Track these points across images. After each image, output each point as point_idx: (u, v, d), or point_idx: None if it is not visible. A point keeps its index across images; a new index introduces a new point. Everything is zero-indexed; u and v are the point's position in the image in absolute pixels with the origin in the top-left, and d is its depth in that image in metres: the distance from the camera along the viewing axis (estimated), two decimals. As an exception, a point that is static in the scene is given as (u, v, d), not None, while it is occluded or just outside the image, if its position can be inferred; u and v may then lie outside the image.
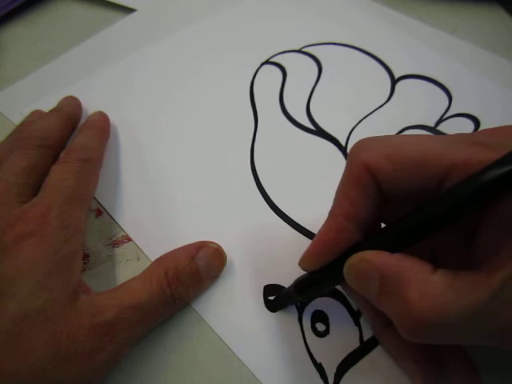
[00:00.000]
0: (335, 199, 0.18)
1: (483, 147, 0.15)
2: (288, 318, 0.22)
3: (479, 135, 0.17)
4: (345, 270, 0.17)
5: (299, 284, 0.20)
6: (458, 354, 0.19)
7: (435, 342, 0.15)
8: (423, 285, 0.14)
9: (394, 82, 0.32)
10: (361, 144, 0.18)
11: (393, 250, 0.16)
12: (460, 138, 0.16)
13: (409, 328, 0.15)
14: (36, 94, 0.32)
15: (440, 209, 0.14)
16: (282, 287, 0.23)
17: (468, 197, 0.14)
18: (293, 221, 0.25)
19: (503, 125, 0.17)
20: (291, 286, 0.21)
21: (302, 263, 0.19)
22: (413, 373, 0.19)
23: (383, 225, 0.20)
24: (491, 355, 0.20)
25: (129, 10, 0.39)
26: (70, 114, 0.29)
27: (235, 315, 0.22)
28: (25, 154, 0.24)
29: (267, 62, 0.34)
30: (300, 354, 0.21)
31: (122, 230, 0.26)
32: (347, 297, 0.22)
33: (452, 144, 0.16)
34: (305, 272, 0.20)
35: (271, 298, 0.23)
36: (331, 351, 0.21)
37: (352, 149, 0.18)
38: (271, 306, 0.23)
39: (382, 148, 0.17)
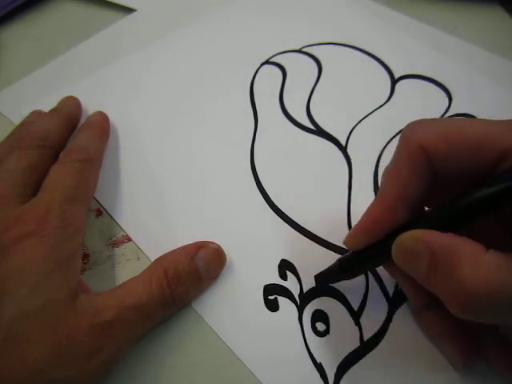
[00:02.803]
0: (385, 178, 0.18)
1: None
2: (288, 317, 0.22)
3: None
4: (394, 247, 0.17)
5: (344, 262, 0.20)
6: (497, 340, 0.19)
7: (485, 320, 0.15)
8: (476, 262, 0.14)
9: (394, 82, 0.32)
10: (415, 125, 0.18)
11: (443, 230, 0.16)
12: None
13: (461, 303, 0.15)
14: (36, 94, 0.32)
15: (495, 191, 0.14)
16: (282, 287, 0.23)
17: None
18: (293, 221, 0.25)
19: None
20: (335, 263, 0.21)
21: (349, 241, 0.19)
22: (451, 355, 0.20)
23: (426, 208, 0.20)
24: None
25: (129, 10, 0.39)
26: (69, 114, 0.29)
27: (235, 315, 0.22)
28: (25, 154, 0.24)
29: (267, 62, 0.34)
30: (300, 354, 0.21)
31: (122, 229, 0.26)
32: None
33: (510, 128, 0.16)
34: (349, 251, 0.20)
35: (273, 296, 0.23)
36: (331, 351, 0.21)
37: (406, 129, 0.18)
38: (317, 281, 0.23)
39: (437, 129, 0.17)
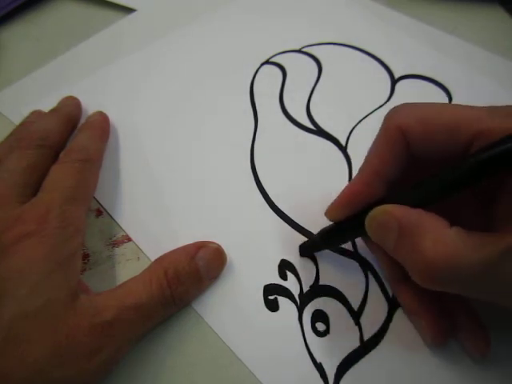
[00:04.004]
0: (366, 157, 0.20)
1: None
2: (288, 317, 0.22)
3: None
4: (366, 220, 0.18)
5: (324, 232, 0.22)
6: (466, 312, 0.20)
7: (445, 289, 0.16)
8: (438, 235, 0.16)
9: (394, 82, 0.32)
10: (397, 108, 0.19)
11: (413, 206, 0.17)
12: (496, 109, 0.17)
13: (421, 273, 0.16)
14: (36, 94, 0.32)
15: (460, 173, 0.16)
16: (282, 287, 0.23)
17: (486, 163, 0.15)
18: (293, 221, 0.25)
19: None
20: (316, 234, 0.23)
21: (329, 213, 0.21)
22: (423, 327, 0.20)
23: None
24: (500, 314, 0.20)
25: (129, 10, 0.39)
26: (69, 115, 0.29)
27: (235, 315, 0.22)
28: (24, 154, 0.24)
29: (267, 62, 0.34)
30: (300, 354, 0.21)
31: (122, 229, 0.26)
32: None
33: (485, 113, 0.17)
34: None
35: (273, 295, 0.23)
36: (331, 351, 0.21)
37: (388, 112, 0.20)
38: (300, 251, 0.24)
39: (415, 112, 0.18)
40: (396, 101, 0.31)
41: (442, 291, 0.17)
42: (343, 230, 0.21)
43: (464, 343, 0.20)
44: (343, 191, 0.20)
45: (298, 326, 0.22)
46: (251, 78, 0.33)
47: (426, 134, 0.18)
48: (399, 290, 0.22)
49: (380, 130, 0.20)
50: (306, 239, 0.24)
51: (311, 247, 0.24)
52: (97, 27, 0.37)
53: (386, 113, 0.20)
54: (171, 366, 0.21)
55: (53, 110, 0.29)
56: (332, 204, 0.21)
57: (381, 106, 0.30)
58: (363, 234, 0.19)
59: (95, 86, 0.33)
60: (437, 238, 0.15)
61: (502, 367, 0.20)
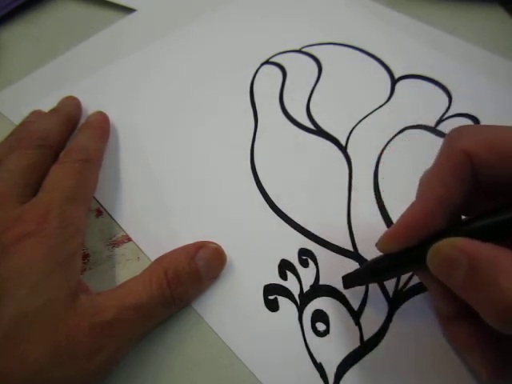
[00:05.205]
0: (425, 182, 0.18)
1: None
2: (288, 317, 0.22)
3: None
4: (430, 253, 0.17)
5: (376, 265, 0.20)
6: None
7: None
8: None
9: (394, 82, 0.32)
10: (460, 130, 0.18)
11: (482, 240, 0.15)
12: None
13: (499, 315, 0.14)
14: (36, 94, 0.32)
15: None
16: (282, 287, 0.23)
17: None
18: (293, 221, 0.25)
19: (503, 125, 0.17)
20: (364, 266, 0.20)
21: (382, 244, 0.19)
22: (479, 365, 0.19)
23: (463, 216, 0.20)
24: None
25: (129, 10, 0.39)
26: (69, 115, 0.29)
27: (235, 315, 0.22)
28: (24, 154, 0.24)
29: (267, 62, 0.34)
30: (300, 354, 0.21)
31: (122, 229, 0.26)
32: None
33: None
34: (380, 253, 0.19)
35: (273, 296, 0.23)
36: (331, 351, 0.21)
37: (451, 133, 0.18)
38: (344, 284, 0.22)
39: (483, 136, 0.17)
40: (396, 101, 0.31)
41: None
42: (398, 263, 0.18)
43: None
44: (400, 220, 0.18)
45: (298, 326, 0.22)
46: (251, 78, 0.33)
47: (496, 160, 0.16)
48: (453, 326, 0.20)
49: (441, 153, 0.18)
50: (306, 239, 0.24)
51: (357, 279, 0.22)
52: (97, 27, 0.37)
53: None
54: (171, 366, 0.21)
55: (53, 110, 0.29)
56: (386, 234, 0.18)
57: (381, 106, 0.30)
58: (420, 268, 0.17)
59: (95, 86, 0.33)
60: None
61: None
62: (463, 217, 0.20)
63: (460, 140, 0.17)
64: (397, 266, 0.19)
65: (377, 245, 0.19)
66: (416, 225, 0.17)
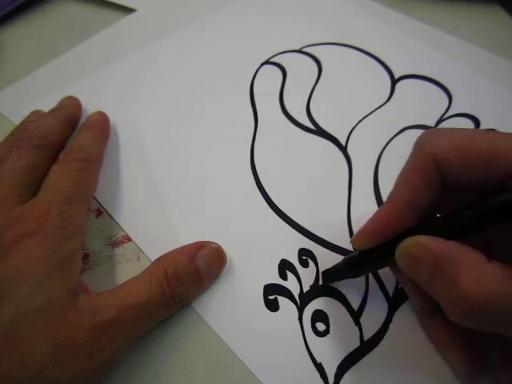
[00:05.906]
0: (396, 184, 0.19)
1: None
2: (288, 317, 0.22)
3: None
4: (398, 252, 0.17)
5: (349, 261, 0.21)
6: (500, 347, 0.19)
7: (483, 328, 0.16)
8: (477, 271, 0.15)
9: (394, 82, 0.32)
10: (429, 134, 0.18)
11: (447, 238, 0.16)
12: None
13: (460, 311, 0.15)
14: (36, 94, 0.32)
15: (499, 204, 0.15)
16: (282, 287, 0.23)
17: None
18: (293, 221, 0.25)
19: (503, 125, 0.17)
20: (341, 262, 0.21)
21: (355, 241, 0.19)
22: (455, 361, 0.20)
23: (437, 215, 0.20)
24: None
25: (129, 10, 0.39)
26: (69, 115, 0.29)
27: (235, 315, 0.22)
28: (24, 154, 0.24)
29: (267, 62, 0.34)
30: (300, 354, 0.21)
31: (122, 229, 0.26)
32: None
33: None
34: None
35: (274, 297, 0.23)
36: (331, 351, 0.21)
37: (420, 138, 0.19)
38: (323, 279, 0.23)
39: (450, 139, 0.17)
40: (396, 101, 0.31)
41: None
42: (370, 259, 0.20)
43: (499, 378, 0.19)
44: (371, 219, 0.19)
45: (298, 326, 0.22)
46: (251, 78, 0.33)
47: (462, 163, 0.17)
48: (429, 323, 0.21)
49: (411, 155, 0.19)
50: (306, 239, 0.25)
51: (335, 275, 0.23)
52: (97, 27, 0.37)
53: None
54: (171, 366, 0.21)
55: (53, 110, 0.29)
56: (359, 232, 0.19)
57: (381, 106, 0.30)
58: (392, 264, 0.18)
59: (95, 86, 0.33)
60: (477, 274, 0.15)
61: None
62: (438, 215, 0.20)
63: (428, 142, 0.18)
64: (369, 261, 0.20)
65: (351, 242, 0.20)
66: (386, 223, 0.18)
